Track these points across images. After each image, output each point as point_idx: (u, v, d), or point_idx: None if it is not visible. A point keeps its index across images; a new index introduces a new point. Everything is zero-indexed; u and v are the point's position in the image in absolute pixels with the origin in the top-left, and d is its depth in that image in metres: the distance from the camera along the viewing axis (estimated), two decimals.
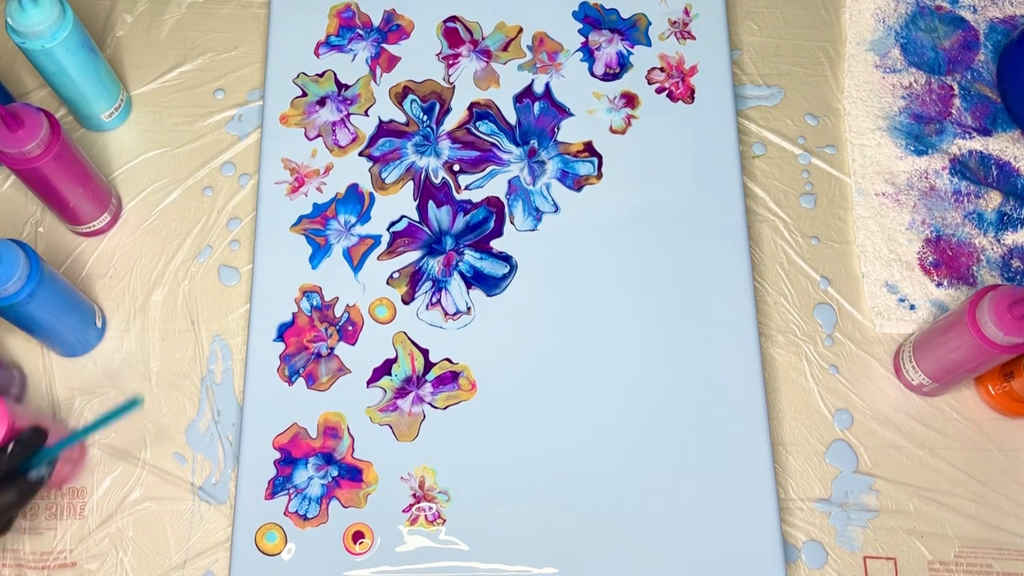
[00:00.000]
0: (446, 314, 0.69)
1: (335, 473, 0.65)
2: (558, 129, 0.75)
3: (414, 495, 0.65)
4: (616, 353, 0.68)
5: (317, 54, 0.77)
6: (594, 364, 0.68)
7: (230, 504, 0.65)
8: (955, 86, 0.79)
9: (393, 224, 0.72)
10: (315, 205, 0.72)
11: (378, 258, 0.71)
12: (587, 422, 0.67)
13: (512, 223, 0.72)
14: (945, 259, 0.74)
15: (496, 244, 0.71)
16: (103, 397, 0.68)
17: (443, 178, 0.73)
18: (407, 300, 0.70)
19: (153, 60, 0.78)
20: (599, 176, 0.74)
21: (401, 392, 0.67)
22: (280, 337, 0.68)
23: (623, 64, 0.77)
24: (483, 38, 0.78)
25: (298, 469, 0.65)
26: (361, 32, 0.78)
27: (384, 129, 0.75)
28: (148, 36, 0.79)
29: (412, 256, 0.71)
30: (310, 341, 0.68)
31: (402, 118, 0.75)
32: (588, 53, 0.78)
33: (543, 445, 0.66)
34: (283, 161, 0.73)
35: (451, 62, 0.77)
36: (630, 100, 0.76)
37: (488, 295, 0.70)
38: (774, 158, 0.77)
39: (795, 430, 0.69)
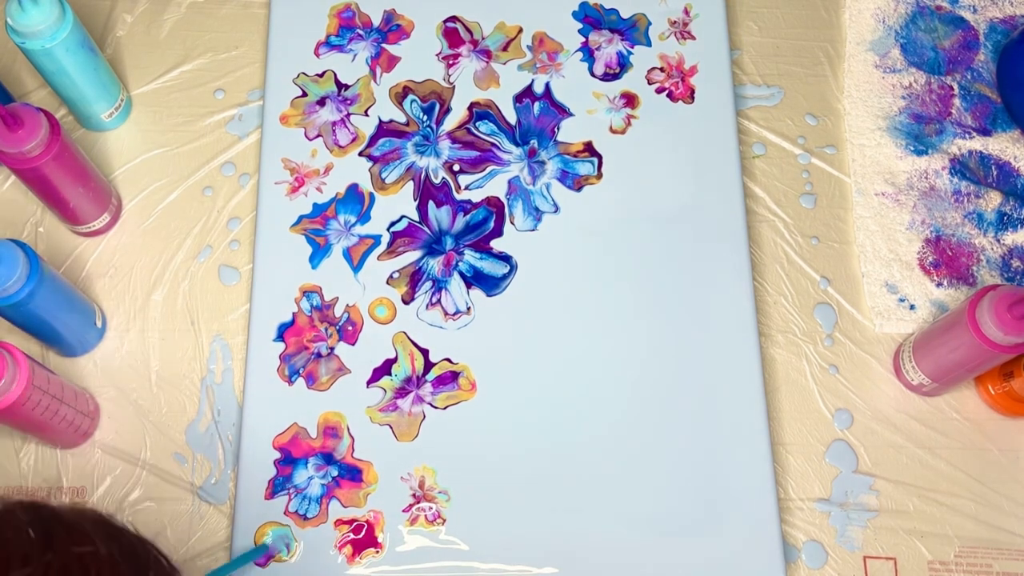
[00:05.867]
0: (446, 314, 0.69)
1: (335, 473, 0.65)
2: (558, 129, 0.75)
3: (414, 495, 0.65)
4: (616, 353, 0.68)
5: (317, 54, 0.77)
6: (594, 364, 0.68)
7: (230, 504, 0.65)
8: (955, 86, 0.79)
9: (393, 224, 0.72)
10: (315, 205, 0.72)
11: (378, 258, 0.71)
12: (587, 422, 0.67)
13: (512, 223, 0.72)
14: (945, 259, 0.74)
15: (496, 244, 0.71)
16: (103, 397, 0.68)
17: (443, 178, 0.73)
18: (407, 300, 0.70)
19: (153, 60, 0.78)
20: (599, 176, 0.74)
21: (401, 392, 0.67)
22: (280, 337, 0.68)
23: (623, 64, 0.77)
24: (483, 38, 0.78)
25: (298, 469, 0.65)
26: (361, 32, 0.78)
27: (384, 129, 0.75)
28: (148, 36, 0.79)
29: (412, 256, 0.71)
30: (310, 341, 0.68)
31: (402, 118, 0.75)
32: (588, 53, 0.78)
33: (543, 444, 0.66)
34: (283, 161, 0.73)
35: (451, 62, 0.77)
36: (630, 100, 0.76)
37: (488, 295, 0.70)
38: (774, 158, 0.77)
39: (795, 430, 0.69)
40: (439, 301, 0.70)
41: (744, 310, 0.69)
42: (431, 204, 0.73)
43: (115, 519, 0.41)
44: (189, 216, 0.73)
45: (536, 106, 0.76)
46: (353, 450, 0.66)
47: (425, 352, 0.68)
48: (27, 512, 0.38)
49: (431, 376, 0.68)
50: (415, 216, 0.72)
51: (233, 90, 0.77)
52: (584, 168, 0.74)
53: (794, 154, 0.77)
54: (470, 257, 0.71)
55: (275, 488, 0.65)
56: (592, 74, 0.77)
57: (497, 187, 0.73)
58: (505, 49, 0.78)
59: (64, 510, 0.39)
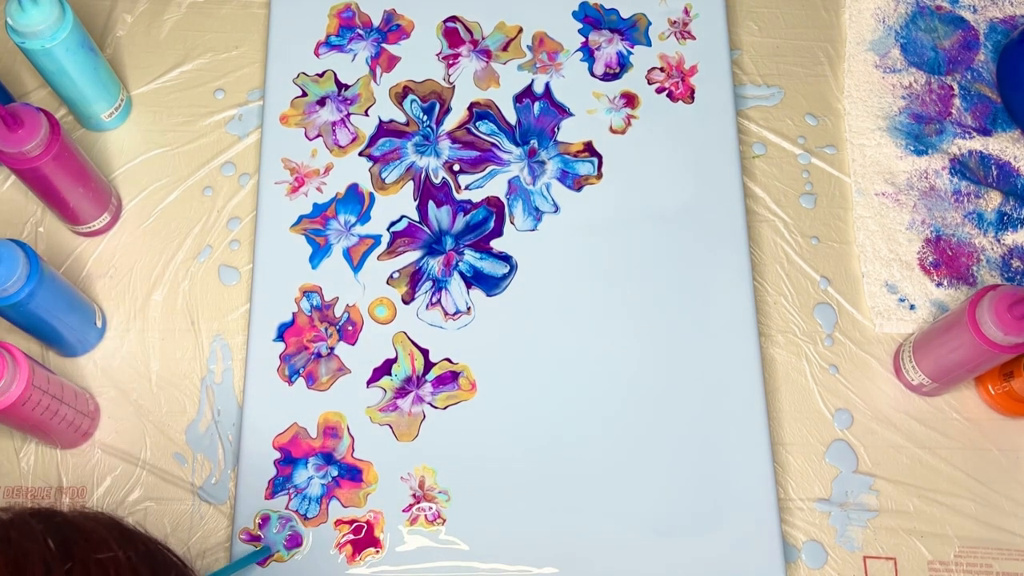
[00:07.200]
0: (446, 314, 0.69)
1: (335, 473, 0.65)
2: (558, 129, 0.75)
3: (414, 495, 0.65)
4: (616, 353, 0.68)
5: (317, 54, 0.77)
6: (594, 364, 0.68)
7: (230, 504, 0.65)
8: (955, 86, 0.79)
9: (393, 224, 0.72)
10: (315, 205, 0.72)
11: (378, 258, 0.71)
12: (587, 422, 0.67)
13: (512, 223, 0.72)
14: (945, 259, 0.74)
15: (496, 244, 0.71)
16: (103, 397, 0.68)
17: (443, 178, 0.73)
18: (407, 300, 0.70)
19: (153, 60, 0.78)
20: (599, 176, 0.74)
21: (401, 392, 0.67)
22: (280, 337, 0.68)
23: (623, 64, 0.77)
24: (483, 38, 0.78)
25: (298, 469, 0.65)
26: (361, 32, 0.78)
27: (384, 129, 0.75)
28: (148, 36, 0.79)
29: (412, 256, 0.71)
30: (310, 341, 0.68)
31: (402, 118, 0.75)
32: (588, 53, 0.78)
33: (543, 445, 0.66)
34: (283, 161, 0.74)
35: (451, 62, 0.77)
36: (630, 100, 0.76)
37: (488, 295, 0.70)
38: (774, 158, 0.77)
39: (795, 430, 0.69)
40: (439, 301, 0.70)
41: (744, 310, 0.69)
42: (431, 204, 0.73)
43: (126, 522, 0.41)
44: (189, 216, 0.73)
45: (536, 106, 0.76)
46: (353, 450, 0.66)
47: (425, 352, 0.68)
48: (41, 520, 0.37)
49: (431, 376, 0.68)
50: (415, 216, 0.72)
51: (233, 90, 0.77)
52: (584, 168, 0.74)
53: (794, 154, 0.77)
54: (470, 257, 0.71)
55: (275, 488, 0.65)
56: (592, 74, 0.77)
57: (497, 187, 0.73)
58: (505, 49, 0.78)
59: (77, 516, 0.39)
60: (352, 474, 0.65)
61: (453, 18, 0.79)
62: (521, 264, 0.71)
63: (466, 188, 0.73)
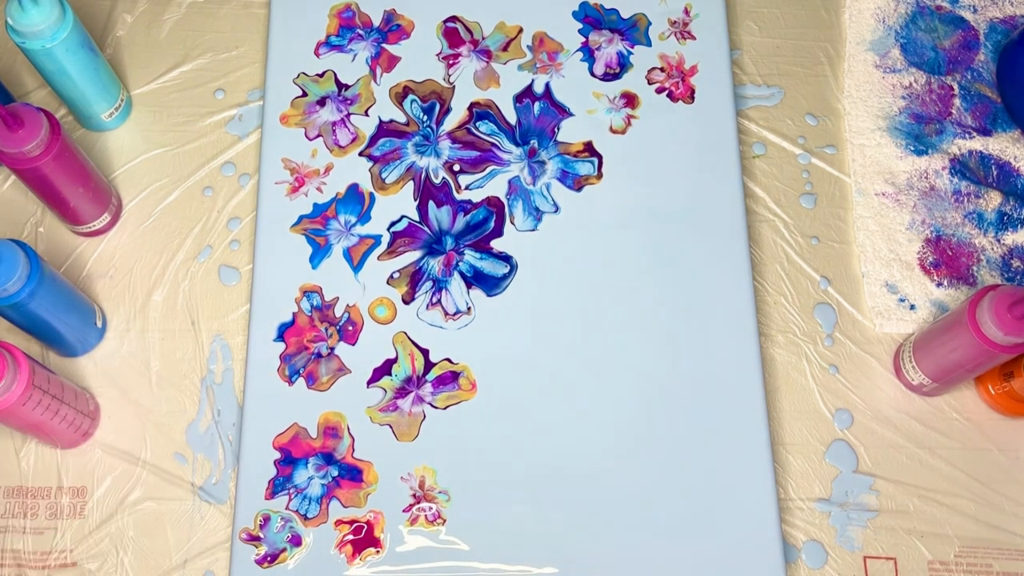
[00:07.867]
0: (446, 314, 0.69)
1: (335, 473, 0.65)
2: (558, 129, 0.75)
3: (414, 495, 0.65)
4: (616, 353, 0.68)
5: (317, 54, 0.77)
6: (594, 364, 0.68)
7: (230, 504, 0.65)
8: (955, 86, 0.79)
9: (393, 224, 0.72)
10: (315, 205, 0.72)
11: (378, 258, 0.71)
12: (587, 422, 0.67)
13: (512, 223, 0.72)
14: (945, 259, 0.74)
15: (496, 244, 0.71)
16: (103, 397, 0.68)
17: (443, 178, 0.73)
18: (407, 300, 0.70)
19: (153, 60, 0.78)
20: (599, 176, 0.74)
21: (401, 392, 0.67)
22: (280, 337, 0.68)
23: (623, 64, 0.77)
24: (483, 38, 0.78)
25: (298, 469, 0.65)
26: (361, 32, 0.78)
27: (384, 129, 0.75)
28: (148, 36, 0.79)
29: (412, 256, 0.71)
30: (310, 341, 0.68)
31: (402, 118, 0.75)
32: (588, 53, 0.78)
33: (543, 445, 0.66)
34: (283, 161, 0.74)
35: (451, 62, 0.77)
36: (630, 100, 0.76)
37: (488, 295, 0.70)
38: (774, 158, 0.77)
39: (795, 430, 0.69)
40: (439, 301, 0.70)
41: (744, 310, 0.69)
42: (431, 204, 0.73)
43: None
44: (189, 216, 0.73)
45: (536, 106, 0.76)
46: (353, 450, 0.66)
47: (425, 352, 0.68)
48: None
49: (431, 376, 0.68)
50: (415, 216, 0.72)
51: (233, 90, 0.77)
52: (584, 168, 0.74)
53: (794, 154, 0.77)
54: (470, 257, 0.71)
55: (275, 488, 0.65)
56: (592, 74, 0.77)
57: (497, 187, 0.73)
58: (505, 49, 0.78)
59: None
60: (352, 474, 0.65)
61: (453, 18, 0.79)
62: (521, 264, 0.71)
63: (466, 188, 0.73)
